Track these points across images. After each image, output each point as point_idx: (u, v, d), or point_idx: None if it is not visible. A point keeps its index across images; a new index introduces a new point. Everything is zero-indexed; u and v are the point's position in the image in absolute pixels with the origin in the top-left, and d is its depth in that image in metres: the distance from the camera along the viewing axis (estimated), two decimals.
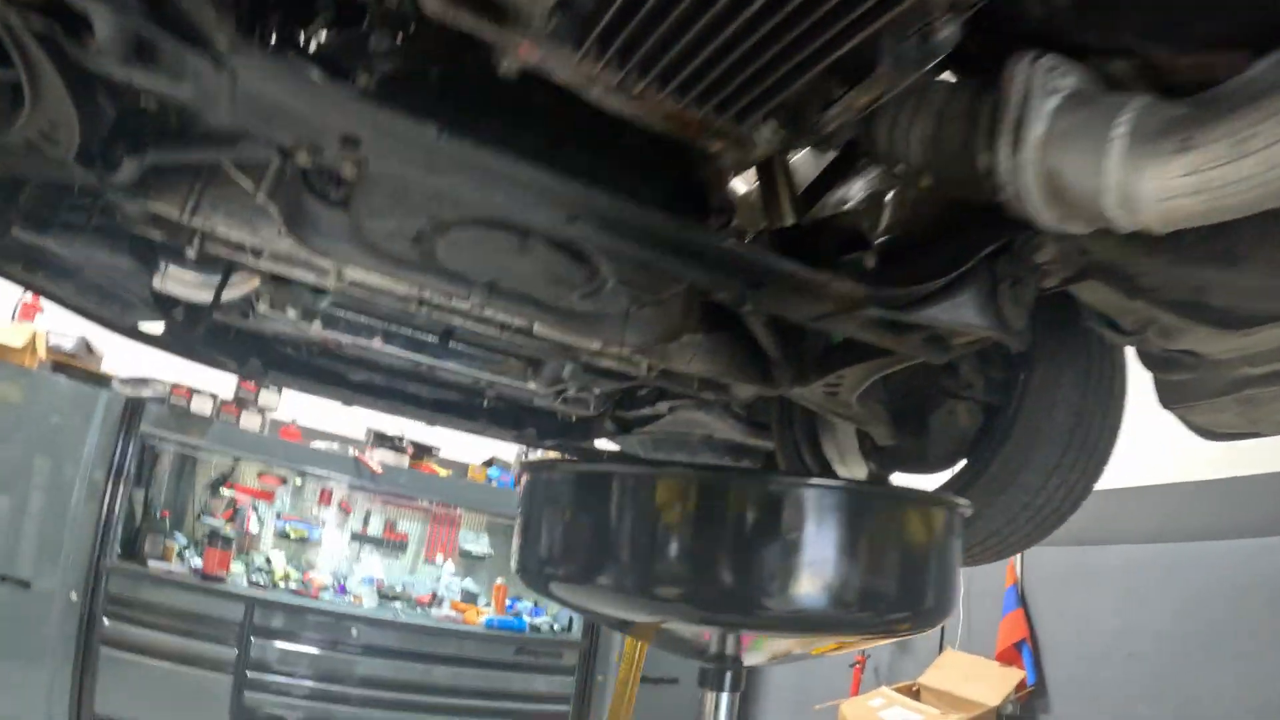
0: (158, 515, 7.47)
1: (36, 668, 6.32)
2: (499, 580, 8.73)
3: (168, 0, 1.30)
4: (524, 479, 1.64)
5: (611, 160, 1.67)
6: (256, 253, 2.12)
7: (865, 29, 1.25)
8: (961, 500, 1.64)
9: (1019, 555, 7.39)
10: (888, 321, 2.04)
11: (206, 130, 1.77)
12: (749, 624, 1.39)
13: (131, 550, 7.04)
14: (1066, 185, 1.36)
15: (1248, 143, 1.13)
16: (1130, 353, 2.52)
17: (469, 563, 9.07)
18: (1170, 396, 2.45)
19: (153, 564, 7.02)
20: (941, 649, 7.86)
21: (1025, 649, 7.16)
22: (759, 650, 1.60)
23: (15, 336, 6.84)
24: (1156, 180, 1.24)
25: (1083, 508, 6.58)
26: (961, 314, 1.92)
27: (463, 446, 8.66)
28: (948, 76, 1.67)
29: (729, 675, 1.54)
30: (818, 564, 1.33)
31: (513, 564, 1.64)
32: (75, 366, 7.24)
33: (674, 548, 1.35)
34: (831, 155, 2.33)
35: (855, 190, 2.18)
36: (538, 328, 2.34)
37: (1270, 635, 5.68)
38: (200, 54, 1.37)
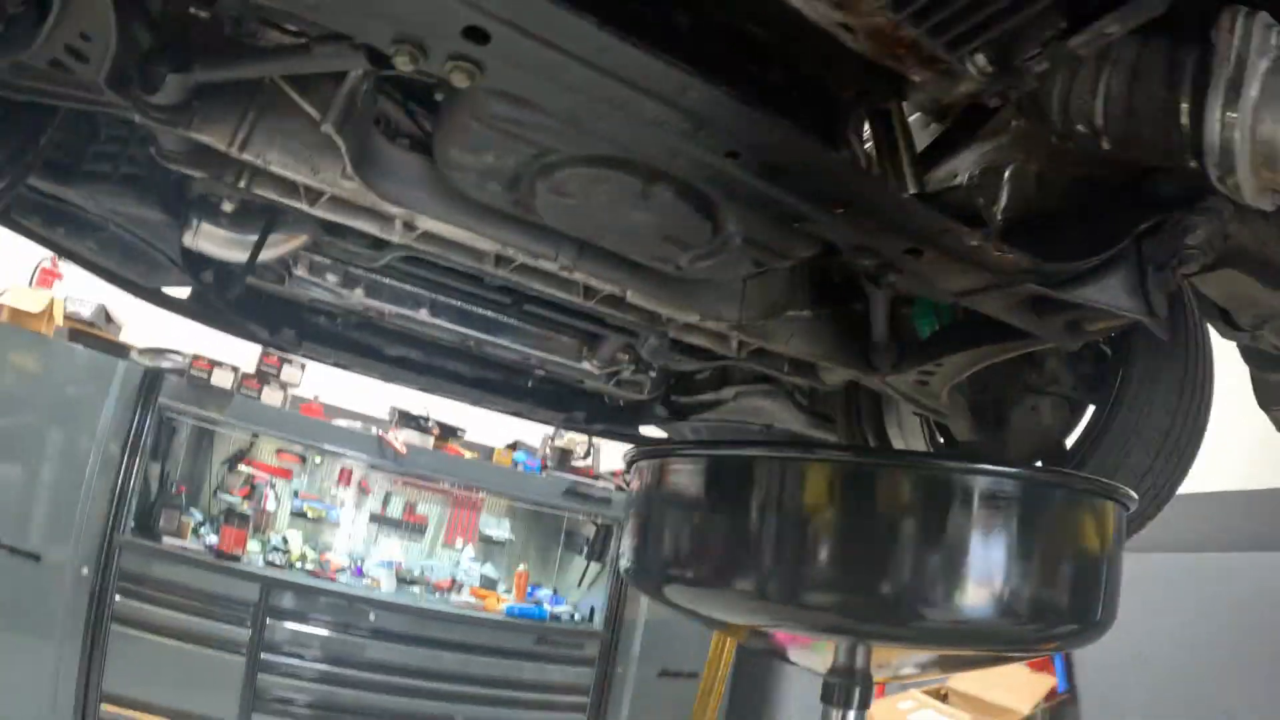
0: (173, 490, 7.33)
1: (45, 643, 6.20)
2: (520, 567, 8.60)
3: None
4: (638, 467, 1.46)
5: (757, 96, 1.42)
6: (314, 196, 1.90)
7: None
8: (1132, 495, 1.47)
9: None
10: (1034, 301, 1.88)
11: (269, 41, 1.56)
12: (905, 637, 1.21)
13: (146, 525, 6.90)
14: None
15: None
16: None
17: (489, 548, 8.95)
18: (1269, 397, 2.53)
19: (167, 540, 6.88)
20: None
21: (1057, 655, 7.00)
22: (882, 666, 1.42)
23: (33, 302, 6.71)
24: None
25: None
26: (1114, 295, 1.78)
27: (488, 429, 8.54)
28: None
29: (858, 691, 1.36)
30: (988, 569, 1.15)
31: (623, 563, 1.46)
32: (93, 335, 7.07)
33: (827, 549, 1.16)
34: (934, 129, 2.18)
35: (965, 164, 1.99)
36: (631, 295, 2.12)
37: None
38: None
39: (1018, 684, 6.96)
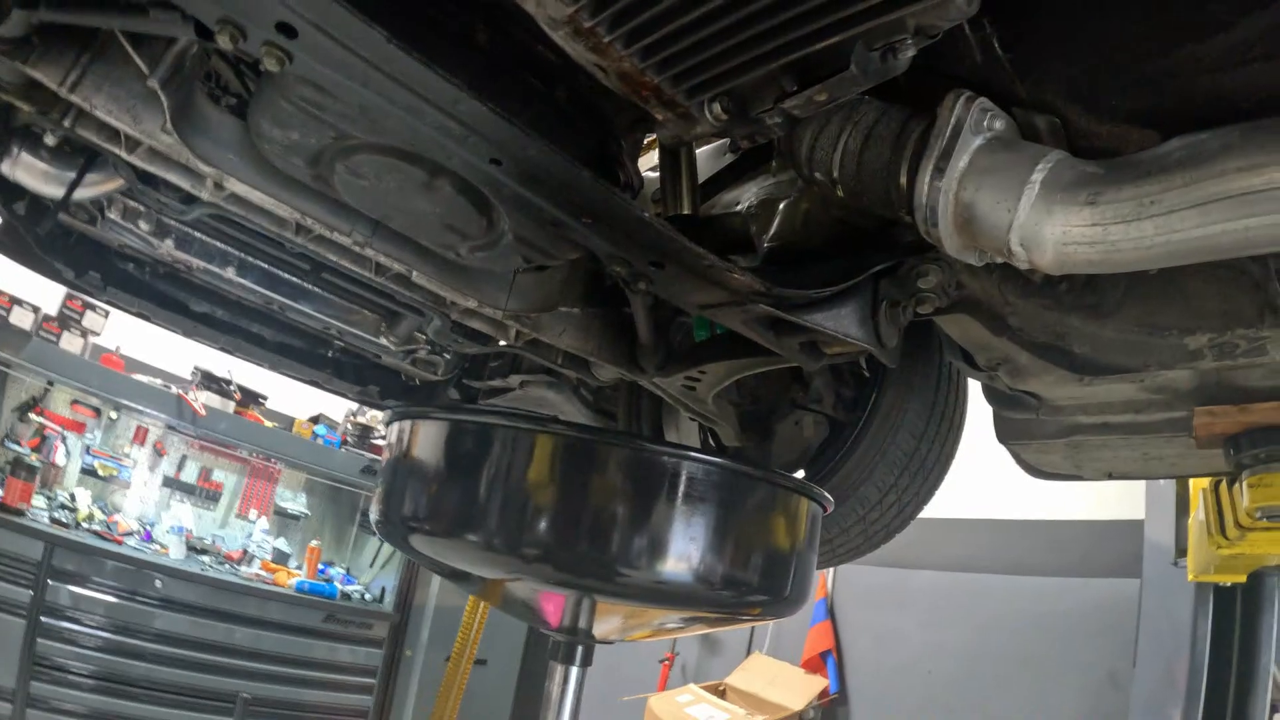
0: None
1: None
2: (313, 542, 8.56)
3: None
4: (393, 426, 1.58)
5: (537, 110, 1.65)
6: (132, 145, 1.95)
7: (843, 32, 1.31)
8: (827, 496, 1.67)
9: (830, 570, 7.87)
10: (772, 321, 2.07)
11: None
12: (608, 591, 1.36)
13: None
14: (977, 217, 1.48)
15: (1149, 207, 1.31)
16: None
17: (284, 522, 8.86)
18: (1007, 432, 2.62)
19: None
20: (749, 652, 8.22)
21: (830, 659, 7.58)
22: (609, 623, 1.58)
23: None
24: (1062, 226, 1.39)
25: None
26: (844, 324, 2.00)
27: (291, 399, 8.46)
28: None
29: (580, 650, 1.52)
30: (687, 538, 1.32)
31: (372, 515, 1.58)
32: None
33: (545, 507, 1.31)
34: (729, 157, 2.45)
35: (748, 194, 2.24)
36: (416, 275, 2.23)
37: (1058, 667, 6.24)
38: None
39: (792, 684, 7.41)
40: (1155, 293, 1.86)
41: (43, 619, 6.57)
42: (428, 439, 1.46)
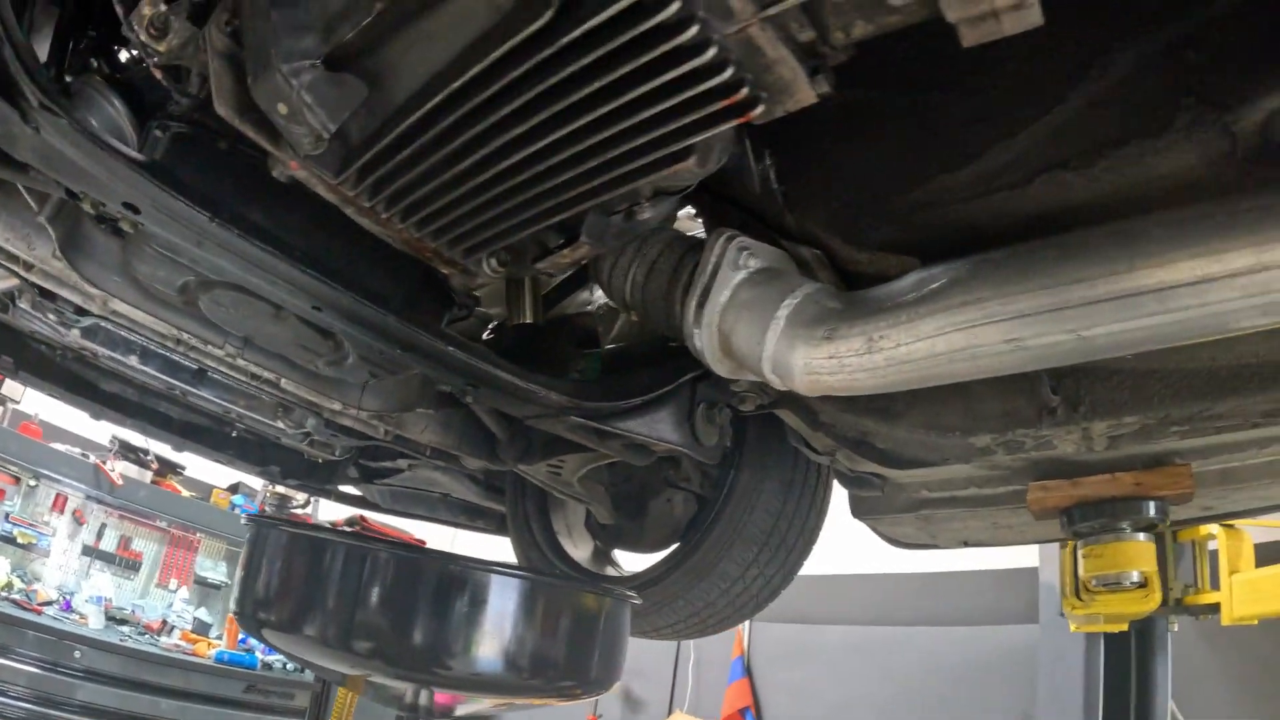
0: None
1: None
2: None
3: None
4: (251, 530, 1.74)
5: (367, 250, 1.83)
6: (28, 266, 2.12)
7: (580, 205, 1.49)
8: (629, 593, 1.86)
9: (745, 628, 8.09)
10: (592, 427, 2.28)
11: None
12: (433, 682, 1.53)
13: None
14: (735, 347, 1.64)
15: (877, 342, 1.43)
16: None
17: (204, 591, 8.89)
18: (860, 509, 2.69)
19: None
20: (670, 711, 8.38)
21: (749, 715, 7.77)
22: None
23: None
24: (804, 358, 1.51)
25: (807, 590, 7.00)
26: (658, 429, 2.23)
27: (209, 469, 8.49)
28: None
29: None
30: (494, 637, 1.50)
31: (232, 606, 1.74)
32: None
33: (372, 612, 1.48)
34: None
35: (599, 296, 2.45)
36: (285, 383, 2.43)
37: (972, 714, 6.46)
38: (9, 105, 1.44)
39: None
40: (938, 397, 1.97)
41: None
42: (277, 546, 1.62)
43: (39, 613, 7.32)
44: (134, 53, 1.73)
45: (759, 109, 1.24)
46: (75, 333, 2.61)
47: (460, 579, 1.53)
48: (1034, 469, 2.11)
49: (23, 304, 2.57)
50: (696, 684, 8.37)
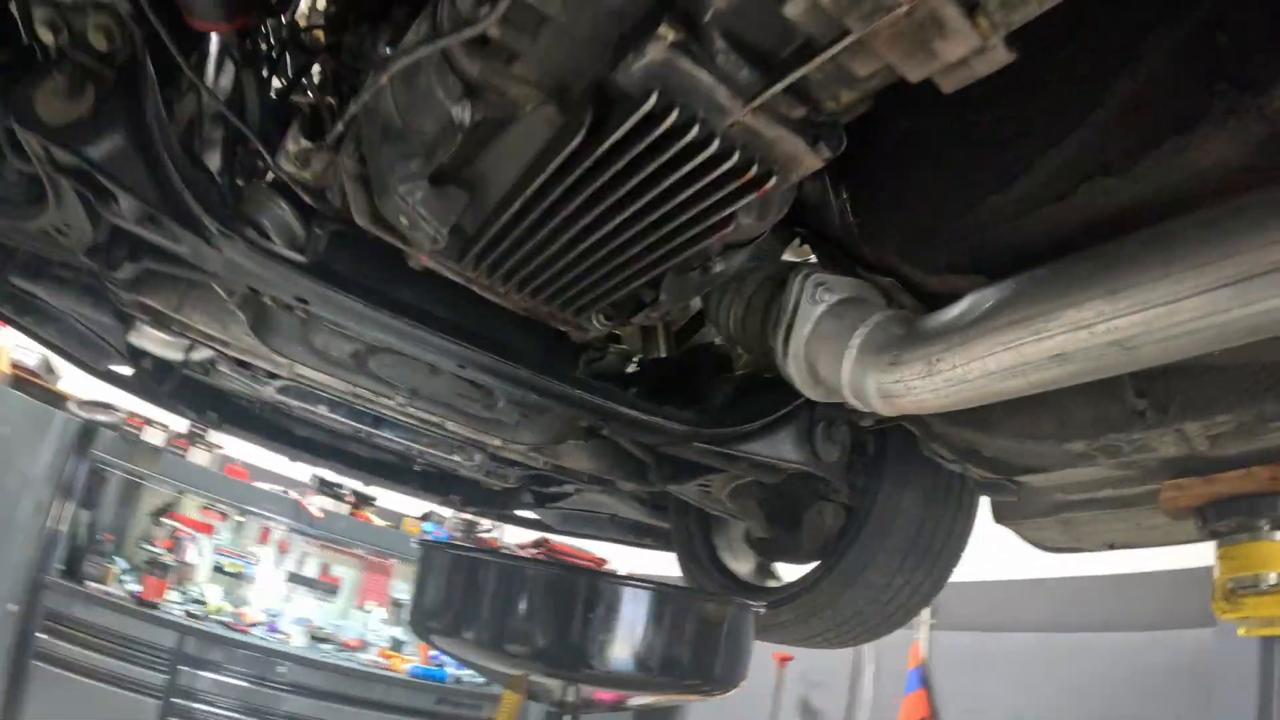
0: (100, 537, 7.66)
1: None
2: None
3: (177, 196, 1.73)
4: (421, 553, 2.02)
5: (503, 314, 2.09)
6: (224, 345, 2.49)
7: (652, 271, 1.72)
8: (753, 602, 2.05)
9: (924, 637, 7.83)
10: (716, 451, 2.46)
11: None
12: (575, 679, 1.77)
13: (72, 569, 7.24)
14: (820, 375, 1.78)
15: (935, 365, 1.51)
16: None
17: (399, 611, 9.29)
18: (1001, 514, 2.67)
19: (91, 584, 7.22)
20: None
21: None
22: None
23: None
24: (875, 383, 1.61)
25: (986, 596, 6.86)
26: (779, 449, 2.38)
27: (401, 499, 8.94)
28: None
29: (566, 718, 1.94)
30: (625, 640, 1.72)
31: (407, 618, 2.02)
32: (35, 383, 7.50)
33: (519, 618, 1.73)
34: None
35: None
36: (450, 425, 2.72)
37: None
38: (195, 235, 1.80)
39: None
40: (1031, 407, 1.96)
41: (174, 700, 7.16)
42: (442, 565, 1.89)
43: (246, 632, 7.91)
44: None
45: (772, 180, 1.38)
46: (270, 388, 2.97)
47: (594, 590, 1.75)
48: (1168, 468, 2.03)
49: (223, 367, 2.95)
50: (876, 696, 8.16)
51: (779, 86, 1.18)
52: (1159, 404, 1.75)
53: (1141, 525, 2.43)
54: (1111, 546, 2.67)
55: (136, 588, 7.49)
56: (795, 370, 1.84)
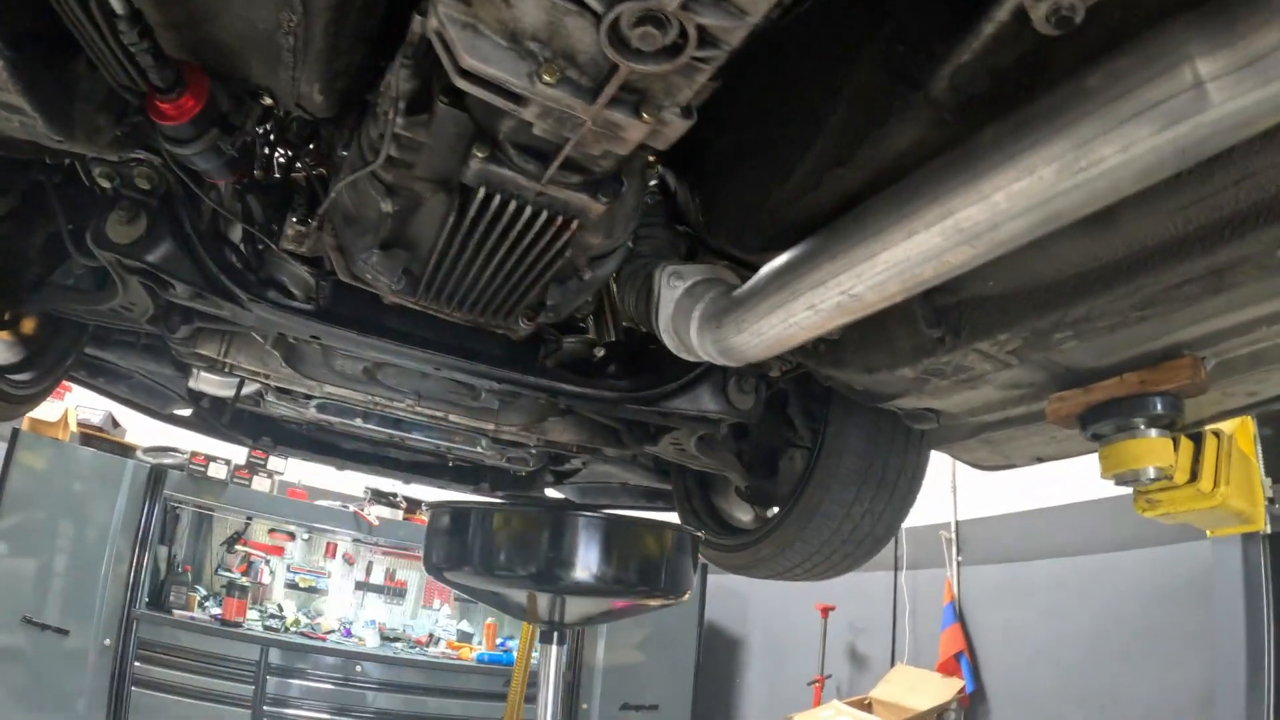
0: (180, 569, 8.16)
1: (74, 705, 7.02)
2: (489, 619, 9.44)
3: (215, 278, 2.30)
4: (429, 512, 2.49)
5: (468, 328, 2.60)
6: (266, 376, 3.04)
7: (535, 285, 2.20)
8: (687, 527, 2.54)
9: (954, 573, 8.14)
10: (647, 410, 2.90)
11: None
12: (553, 590, 2.22)
13: (158, 600, 7.75)
14: (683, 341, 2.17)
15: (745, 323, 1.90)
16: None
17: (464, 606, 9.74)
18: (932, 440, 2.92)
19: (177, 612, 7.74)
20: (893, 663, 8.48)
21: (964, 660, 7.74)
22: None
23: (49, 413, 7.56)
24: (712, 342, 2.03)
25: (1010, 527, 7.49)
26: (700, 403, 2.81)
27: (447, 499, 9.32)
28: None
29: (556, 633, 2.46)
30: (588, 559, 2.18)
31: (424, 562, 2.50)
32: (103, 438, 8.05)
33: (506, 547, 2.22)
34: None
35: None
36: (452, 417, 3.25)
37: (1182, 636, 6.22)
38: (231, 302, 2.37)
39: (930, 688, 7.65)
40: (868, 342, 2.27)
41: (264, 708, 7.67)
42: (443, 517, 2.36)
43: (323, 640, 8.38)
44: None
45: (575, 224, 1.85)
46: (312, 410, 3.51)
47: (565, 520, 2.19)
48: (1053, 383, 2.15)
49: (270, 397, 3.50)
50: (915, 637, 8.41)
51: (552, 170, 1.63)
52: (953, 330, 2.01)
53: (1055, 438, 2.61)
54: (1039, 460, 2.85)
55: (217, 610, 7.97)
56: (669, 340, 2.24)
